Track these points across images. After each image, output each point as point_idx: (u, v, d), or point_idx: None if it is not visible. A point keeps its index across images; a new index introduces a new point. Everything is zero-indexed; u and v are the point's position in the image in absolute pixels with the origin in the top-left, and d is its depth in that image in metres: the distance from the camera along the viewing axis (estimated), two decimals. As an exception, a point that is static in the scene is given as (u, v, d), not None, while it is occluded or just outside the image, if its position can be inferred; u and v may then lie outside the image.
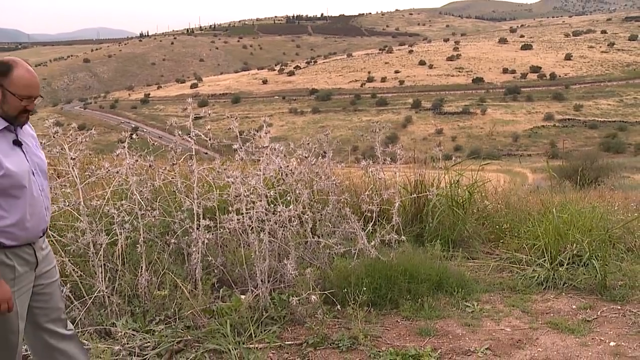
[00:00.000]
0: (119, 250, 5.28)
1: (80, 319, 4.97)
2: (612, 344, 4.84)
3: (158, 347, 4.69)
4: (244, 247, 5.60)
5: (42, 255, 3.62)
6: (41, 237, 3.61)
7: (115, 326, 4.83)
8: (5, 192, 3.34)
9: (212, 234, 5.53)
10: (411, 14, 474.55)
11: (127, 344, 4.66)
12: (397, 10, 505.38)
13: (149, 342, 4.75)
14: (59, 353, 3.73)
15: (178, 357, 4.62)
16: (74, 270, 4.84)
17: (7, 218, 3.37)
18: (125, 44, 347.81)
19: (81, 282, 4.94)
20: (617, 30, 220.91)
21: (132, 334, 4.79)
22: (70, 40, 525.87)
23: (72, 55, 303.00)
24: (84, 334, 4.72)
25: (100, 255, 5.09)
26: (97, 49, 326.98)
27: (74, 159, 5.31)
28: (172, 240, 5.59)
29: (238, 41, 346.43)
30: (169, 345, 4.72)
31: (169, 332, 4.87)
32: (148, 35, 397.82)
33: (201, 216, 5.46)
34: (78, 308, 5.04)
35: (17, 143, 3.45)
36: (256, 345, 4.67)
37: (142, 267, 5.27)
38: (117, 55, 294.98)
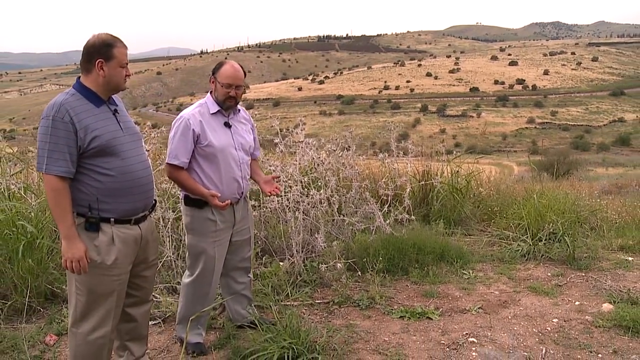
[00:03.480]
0: (183, 223, 5.30)
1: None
2: (576, 303, 4.90)
3: (214, 301, 4.70)
4: (282, 223, 5.58)
5: (240, 216, 3.99)
6: (238, 200, 3.96)
7: (180, 284, 4.85)
8: (208, 158, 3.76)
9: (257, 211, 5.53)
10: (420, 35, 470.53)
11: (189, 298, 4.68)
12: (408, 31, 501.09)
13: (206, 298, 4.76)
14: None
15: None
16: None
17: (207, 179, 3.80)
18: (189, 60, 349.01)
19: (152, 249, 4.98)
20: (583, 52, 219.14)
21: (193, 291, 4.80)
22: (147, 58, 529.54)
23: (147, 70, 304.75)
24: (156, 290, 4.75)
25: (168, 227, 5.12)
26: (167, 64, 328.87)
27: (149, 150, 5.35)
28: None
29: (278, 56, 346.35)
30: (222, 301, 4.72)
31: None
32: (207, 52, 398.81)
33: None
34: (150, 270, 5.08)
35: (227, 125, 3.87)
36: (292, 303, 4.66)
37: (201, 237, 5.28)
38: (182, 69, 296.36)
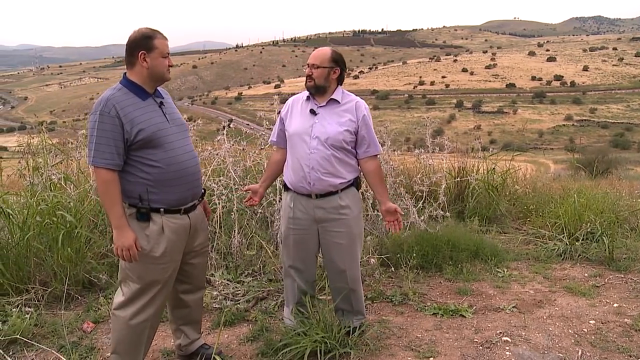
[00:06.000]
0: (217, 216, 5.34)
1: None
2: (615, 305, 4.78)
3: (247, 294, 4.75)
4: (316, 217, 5.58)
5: (321, 213, 3.79)
6: (311, 194, 3.77)
7: (214, 276, 4.91)
8: (289, 141, 3.83)
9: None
10: (456, 30, 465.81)
11: (223, 290, 4.75)
12: (444, 26, 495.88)
13: (239, 290, 4.81)
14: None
15: (262, 304, 4.67)
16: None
17: (287, 163, 3.86)
18: (224, 54, 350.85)
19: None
20: (626, 47, 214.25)
21: (227, 283, 4.86)
22: (183, 52, 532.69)
23: (183, 63, 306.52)
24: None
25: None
26: (202, 58, 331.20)
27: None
28: (259, 210, 5.62)
29: (313, 50, 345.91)
30: (255, 293, 4.77)
31: (255, 283, 4.92)
32: (242, 46, 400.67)
33: (283, 191, 5.48)
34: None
35: (313, 112, 3.76)
36: (325, 297, 4.66)
37: (234, 230, 5.33)
38: (218, 63, 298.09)
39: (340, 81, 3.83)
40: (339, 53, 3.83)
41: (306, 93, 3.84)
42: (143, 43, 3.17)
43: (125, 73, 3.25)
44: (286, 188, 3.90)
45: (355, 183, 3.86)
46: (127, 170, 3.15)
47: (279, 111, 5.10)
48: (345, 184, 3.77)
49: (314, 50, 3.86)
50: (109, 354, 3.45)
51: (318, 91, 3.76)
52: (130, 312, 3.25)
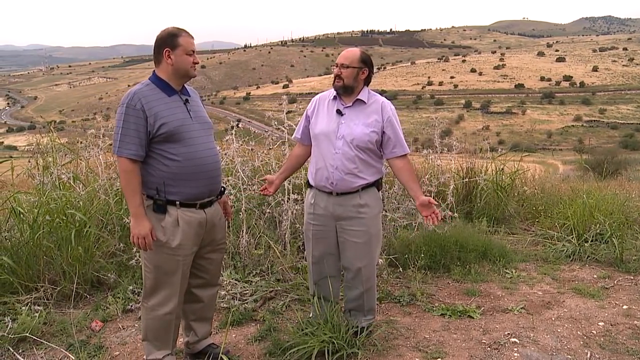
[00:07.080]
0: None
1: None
2: (624, 307, 4.75)
3: (254, 294, 4.74)
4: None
5: (339, 210, 3.81)
6: (332, 192, 3.79)
7: (222, 276, 4.90)
8: (314, 139, 3.85)
9: (299, 205, 5.55)
10: (464, 30, 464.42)
11: (231, 290, 4.75)
12: (453, 26, 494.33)
13: (247, 290, 4.81)
14: None
15: (270, 303, 4.68)
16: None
17: (312, 160, 3.90)
18: (232, 54, 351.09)
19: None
20: (636, 47, 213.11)
21: (235, 283, 4.86)
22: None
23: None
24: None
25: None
26: (211, 58, 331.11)
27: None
28: (267, 210, 5.62)
29: (322, 50, 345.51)
30: (263, 293, 4.77)
31: (263, 283, 4.92)
32: (250, 46, 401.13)
33: (291, 191, 5.48)
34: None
35: (339, 112, 3.77)
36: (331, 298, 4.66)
37: (243, 230, 5.33)
38: (226, 62, 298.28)
39: (367, 82, 3.84)
40: (367, 54, 3.83)
41: (333, 92, 3.84)
42: (168, 41, 3.31)
43: (154, 70, 3.39)
44: (309, 185, 3.95)
45: (377, 184, 3.87)
46: (148, 163, 3.28)
47: (289, 111, 5.09)
48: (366, 185, 3.79)
49: (343, 51, 3.84)
50: (142, 340, 3.59)
51: (346, 91, 3.77)
52: (155, 302, 3.41)
